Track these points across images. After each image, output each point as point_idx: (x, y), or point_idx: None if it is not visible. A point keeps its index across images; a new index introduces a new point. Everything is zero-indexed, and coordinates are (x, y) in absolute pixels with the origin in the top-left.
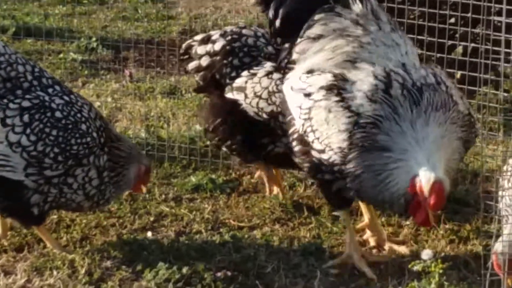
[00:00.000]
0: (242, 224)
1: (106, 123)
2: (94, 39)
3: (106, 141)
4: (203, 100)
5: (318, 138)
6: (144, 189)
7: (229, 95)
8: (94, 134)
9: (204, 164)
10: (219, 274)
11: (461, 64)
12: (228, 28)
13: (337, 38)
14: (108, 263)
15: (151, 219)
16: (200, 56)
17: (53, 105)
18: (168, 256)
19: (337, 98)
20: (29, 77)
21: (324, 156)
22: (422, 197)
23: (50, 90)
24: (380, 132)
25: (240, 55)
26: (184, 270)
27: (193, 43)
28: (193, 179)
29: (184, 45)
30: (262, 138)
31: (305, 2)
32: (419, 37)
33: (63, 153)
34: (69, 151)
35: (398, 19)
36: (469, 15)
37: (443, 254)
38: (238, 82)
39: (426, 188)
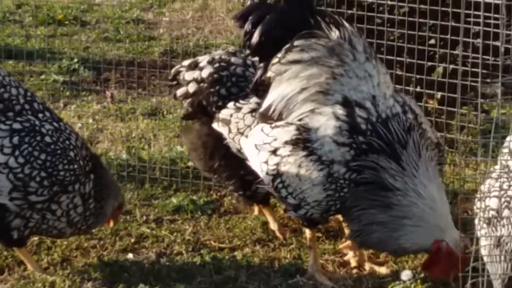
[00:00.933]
0: (223, 245)
1: (92, 153)
2: (75, 60)
3: (92, 170)
4: (184, 122)
5: (291, 194)
6: (111, 224)
7: (214, 125)
8: (81, 162)
9: (185, 185)
10: None
11: (440, 85)
12: (217, 55)
13: (312, 66)
14: (89, 285)
15: (132, 240)
16: (188, 82)
17: (43, 130)
18: (149, 277)
19: (304, 153)
20: (22, 101)
21: (301, 212)
22: (448, 258)
23: (40, 115)
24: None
25: (228, 84)
26: None
27: (181, 69)
28: (174, 200)
29: (172, 71)
30: (247, 175)
31: (283, 21)
32: (399, 58)
33: (50, 178)
34: (56, 177)
35: (378, 41)
36: (448, 36)
37: (422, 274)
38: (224, 114)
39: (456, 251)
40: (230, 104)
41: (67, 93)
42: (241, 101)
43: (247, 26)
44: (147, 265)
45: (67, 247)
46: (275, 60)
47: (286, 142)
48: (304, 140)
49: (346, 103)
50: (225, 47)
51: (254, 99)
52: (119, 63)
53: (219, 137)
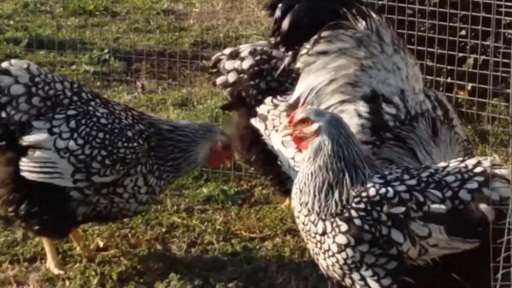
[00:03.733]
0: (253, 235)
1: (152, 121)
2: (106, 50)
3: (151, 141)
4: (214, 112)
5: None
6: (227, 164)
7: (252, 121)
8: (140, 140)
9: (216, 175)
10: (230, 285)
11: (471, 76)
12: (259, 46)
13: (340, 57)
14: (120, 274)
15: (163, 230)
16: (228, 72)
17: (98, 114)
18: (179, 267)
19: None
20: (69, 94)
21: None
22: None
23: (92, 103)
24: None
25: (268, 78)
26: (196, 281)
27: (221, 57)
28: (204, 190)
29: (213, 58)
30: (283, 173)
31: (312, 10)
32: (429, 49)
33: (110, 156)
34: (116, 154)
35: (408, 31)
36: (479, 27)
37: None
38: (262, 109)
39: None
40: (268, 100)
41: (98, 84)
42: (278, 98)
43: (277, 15)
44: (178, 254)
45: (98, 236)
46: (303, 51)
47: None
48: None
49: (374, 97)
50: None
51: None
52: (149, 54)
53: (256, 131)
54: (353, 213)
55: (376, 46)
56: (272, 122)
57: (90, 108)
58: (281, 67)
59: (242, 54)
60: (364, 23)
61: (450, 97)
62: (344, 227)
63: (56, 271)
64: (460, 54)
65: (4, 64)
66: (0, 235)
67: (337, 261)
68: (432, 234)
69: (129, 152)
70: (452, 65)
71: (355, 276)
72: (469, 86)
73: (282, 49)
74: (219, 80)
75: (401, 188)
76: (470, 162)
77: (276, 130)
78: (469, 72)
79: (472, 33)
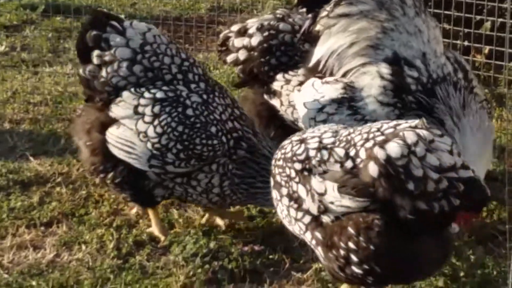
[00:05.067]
0: None
1: (251, 128)
2: (122, 16)
3: (237, 147)
4: (231, 77)
5: None
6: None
7: (266, 97)
8: (223, 138)
9: None
10: (246, 248)
11: (488, 39)
12: (265, 21)
13: (362, 20)
14: (137, 238)
15: None
16: (238, 49)
17: (188, 102)
18: (196, 231)
19: (349, 112)
20: (174, 70)
21: None
22: None
23: (192, 86)
24: None
25: (277, 54)
26: (212, 244)
27: (230, 35)
28: None
29: (221, 36)
30: None
31: None
32: (447, 12)
33: (186, 151)
34: (192, 150)
35: None
36: None
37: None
38: (275, 86)
39: None
40: (279, 76)
41: None
42: (290, 72)
43: None
44: (193, 218)
45: (114, 201)
46: (323, 13)
47: (333, 100)
48: (349, 99)
49: (396, 60)
50: (271, 4)
51: (301, 70)
52: (166, 19)
53: (273, 107)
54: (276, 170)
55: (397, 8)
56: (287, 98)
57: (183, 93)
58: (302, 30)
59: (250, 31)
60: None
61: (467, 60)
62: (272, 181)
63: (162, 238)
64: (478, 17)
65: (126, 23)
66: (16, 199)
67: (278, 215)
68: (328, 191)
69: (207, 150)
70: (469, 28)
71: (296, 229)
72: (486, 49)
73: (291, 20)
74: (230, 58)
75: (313, 145)
76: (391, 123)
77: (292, 106)
78: (486, 35)
79: None
